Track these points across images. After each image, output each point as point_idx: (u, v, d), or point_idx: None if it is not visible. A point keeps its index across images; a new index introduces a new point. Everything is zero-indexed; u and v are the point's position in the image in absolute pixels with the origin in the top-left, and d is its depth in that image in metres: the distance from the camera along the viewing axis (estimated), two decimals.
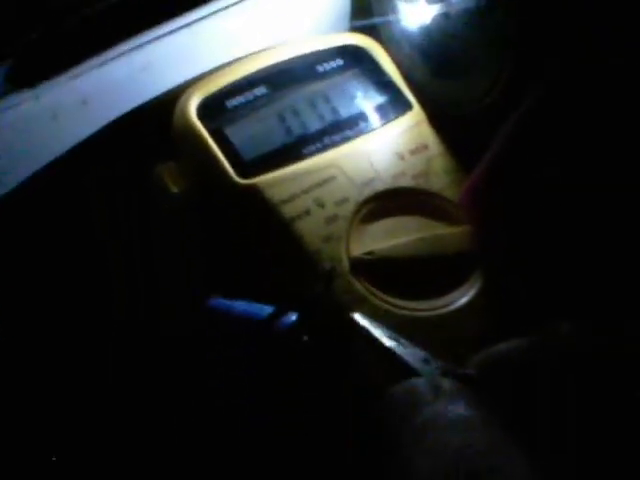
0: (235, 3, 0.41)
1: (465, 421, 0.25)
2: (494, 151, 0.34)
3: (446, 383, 0.27)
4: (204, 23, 0.41)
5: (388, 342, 0.31)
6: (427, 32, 0.41)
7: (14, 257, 0.39)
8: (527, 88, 0.35)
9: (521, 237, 0.35)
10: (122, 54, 0.39)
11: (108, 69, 0.39)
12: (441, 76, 0.41)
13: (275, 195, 0.37)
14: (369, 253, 0.36)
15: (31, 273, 0.40)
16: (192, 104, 0.40)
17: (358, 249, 0.36)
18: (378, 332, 0.31)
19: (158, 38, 0.40)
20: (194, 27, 0.41)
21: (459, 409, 0.26)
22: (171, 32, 0.40)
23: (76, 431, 0.38)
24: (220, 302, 0.36)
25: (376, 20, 0.44)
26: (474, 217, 0.35)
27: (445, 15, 0.40)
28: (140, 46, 0.39)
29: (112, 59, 0.39)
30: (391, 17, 0.43)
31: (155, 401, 0.37)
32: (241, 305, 0.35)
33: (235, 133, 0.39)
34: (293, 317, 0.33)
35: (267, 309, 0.34)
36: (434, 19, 0.40)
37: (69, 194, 0.40)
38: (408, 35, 0.42)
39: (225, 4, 0.41)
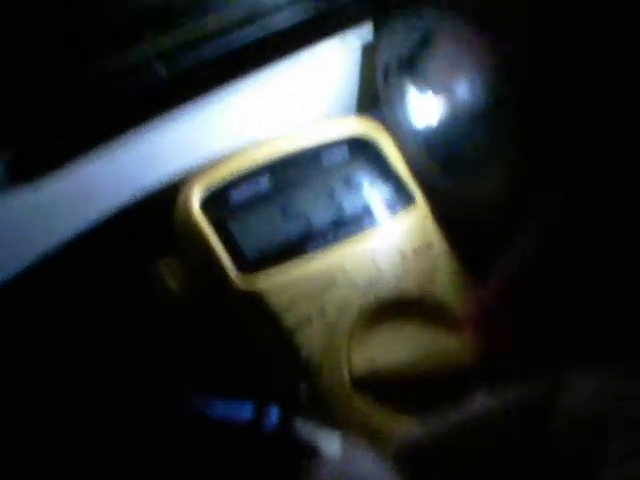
0: (240, 90, 0.41)
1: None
2: (506, 269, 0.33)
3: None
4: (210, 110, 0.40)
5: None
6: (434, 125, 0.40)
7: (9, 346, 0.39)
8: (540, 195, 0.34)
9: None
10: (126, 143, 0.38)
11: (111, 160, 0.38)
12: (448, 171, 0.41)
13: (277, 302, 0.37)
14: (370, 367, 0.35)
15: (24, 363, 0.39)
16: (195, 197, 0.39)
17: (359, 360, 0.36)
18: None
19: (163, 127, 0.39)
20: (200, 115, 0.40)
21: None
22: (176, 120, 0.39)
23: None
24: (203, 402, 0.36)
25: (382, 108, 0.43)
26: (480, 335, 0.35)
27: (452, 109, 0.39)
28: (145, 135, 0.38)
29: (116, 149, 0.38)
30: (398, 107, 0.42)
31: None
32: (222, 406, 0.35)
33: (238, 229, 0.38)
34: (276, 414, 0.33)
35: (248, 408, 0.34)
36: (441, 112, 0.40)
37: (67, 286, 0.39)
38: (414, 126, 0.41)
39: (230, 92, 0.40)
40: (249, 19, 0.38)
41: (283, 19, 0.39)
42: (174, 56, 0.37)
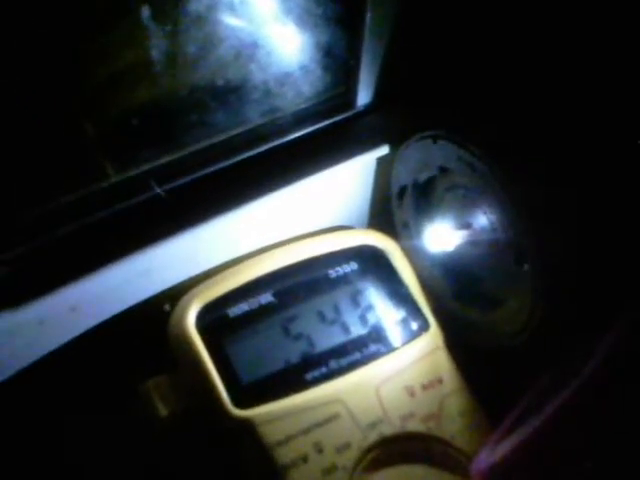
0: (248, 201, 0.38)
1: None
2: (529, 431, 0.30)
3: None
4: (213, 220, 0.38)
5: None
6: (448, 251, 0.38)
7: None
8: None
9: None
10: (120, 260, 0.36)
11: (103, 276, 0.36)
12: (462, 298, 0.38)
13: (271, 434, 0.34)
14: None
15: None
16: (191, 312, 0.36)
17: None
18: None
19: (160, 242, 0.37)
20: (199, 229, 0.38)
21: None
22: (173, 235, 0.37)
23: None
24: None
25: (396, 226, 0.41)
26: None
27: (467, 240, 0.37)
28: (140, 251, 0.36)
29: (108, 265, 0.36)
30: (412, 229, 0.39)
31: None
32: None
33: (235, 350, 0.36)
34: None
35: None
36: (456, 241, 0.37)
37: (52, 404, 0.37)
38: (427, 250, 0.39)
39: (233, 205, 0.38)
40: (256, 136, 0.36)
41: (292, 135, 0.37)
42: (172, 174, 0.35)
